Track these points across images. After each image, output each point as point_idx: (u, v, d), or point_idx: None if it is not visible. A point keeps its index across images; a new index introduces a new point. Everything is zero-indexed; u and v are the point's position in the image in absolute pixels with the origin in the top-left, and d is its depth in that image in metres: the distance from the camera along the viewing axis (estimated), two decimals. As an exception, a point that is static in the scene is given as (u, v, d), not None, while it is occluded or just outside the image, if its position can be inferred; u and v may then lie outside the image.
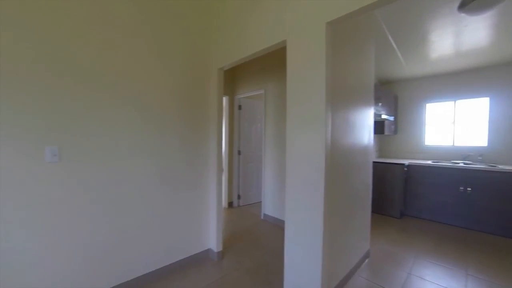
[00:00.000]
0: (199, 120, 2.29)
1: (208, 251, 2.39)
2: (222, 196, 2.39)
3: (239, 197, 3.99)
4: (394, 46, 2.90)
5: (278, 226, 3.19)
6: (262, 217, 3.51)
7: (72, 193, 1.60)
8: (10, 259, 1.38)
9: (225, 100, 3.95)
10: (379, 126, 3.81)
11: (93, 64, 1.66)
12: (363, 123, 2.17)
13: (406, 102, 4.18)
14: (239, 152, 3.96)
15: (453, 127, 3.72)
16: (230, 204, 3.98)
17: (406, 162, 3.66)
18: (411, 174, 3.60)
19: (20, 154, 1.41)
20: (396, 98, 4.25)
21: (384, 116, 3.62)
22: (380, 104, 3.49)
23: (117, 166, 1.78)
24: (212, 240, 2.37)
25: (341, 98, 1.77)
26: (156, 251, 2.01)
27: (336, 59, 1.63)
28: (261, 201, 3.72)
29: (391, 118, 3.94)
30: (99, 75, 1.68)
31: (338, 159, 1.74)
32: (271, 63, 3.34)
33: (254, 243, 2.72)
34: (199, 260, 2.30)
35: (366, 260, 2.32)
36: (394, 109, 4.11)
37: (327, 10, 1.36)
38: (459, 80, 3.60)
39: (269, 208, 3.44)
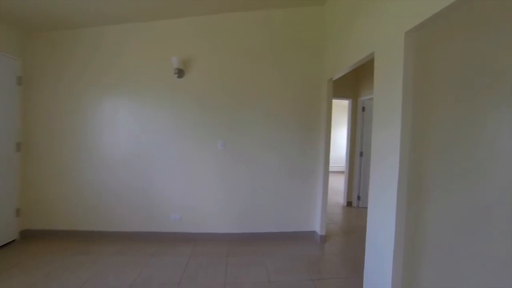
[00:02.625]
0: (311, 123, 2.80)
1: (313, 233, 2.85)
2: (327, 188, 2.76)
3: (358, 198, 4.00)
4: None
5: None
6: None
7: (230, 167, 2.72)
8: (195, 205, 2.68)
9: (348, 102, 4.11)
10: None
11: (238, 86, 2.70)
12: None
13: None
14: (361, 154, 3.97)
15: None
16: (349, 204, 4.08)
17: None
18: None
19: (207, 144, 2.69)
20: None
21: None
22: None
23: (253, 154, 2.74)
24: (317, 224, 2.81)
25: (447, 97, 1.61)
26: (275, 218, 2.79)
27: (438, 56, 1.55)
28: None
29: None
30: (242, 93, 2.70)
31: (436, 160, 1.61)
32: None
33: (360, 239, 2.81)
34: (305, 237, 2.83)
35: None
36: None
37: (404, 20, 1.43)
38: None
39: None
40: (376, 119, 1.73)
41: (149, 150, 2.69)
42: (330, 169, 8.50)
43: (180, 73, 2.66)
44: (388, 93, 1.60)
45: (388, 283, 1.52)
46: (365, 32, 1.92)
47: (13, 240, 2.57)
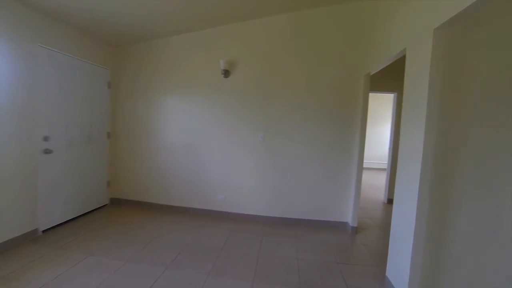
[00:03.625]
0: (347, 117, 2.87)
1: (345, 224, 2.97)
2: (361, 182, 2.83)
3: (401, 196, 3.84)
4: None
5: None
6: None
7: (268, 157, 3.04)
8: (237, 188, 3.08)
9: (393, 96, 3.92)
10: None
11: (277, 83, 2.94)
12: None
13: None
14: (406, 150, 3.78)
15: None
16: (390, 201, 3.96)
17: None
18: None
19: (248, 136, 3.05)
20: None
21: None
22: None
23: (290, 146, 2.98)
24: (349, 216, 2.91)
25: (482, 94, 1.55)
26: (308, 206, 3.01)
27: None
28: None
29: None
30: (280, 90, 2.95)
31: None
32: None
33: (395, 236, 2.82)
34: (337, 227, 2.97)
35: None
36: None
37: (433, 16, 1.45)
38: None
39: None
40: (404, 117, 1.78)
41: (201, 139, 3.21)
42: (372, 165, 8.10)
43: (226, 73, 3.06)
44: (415, 92, 1.65)
45: (406, 273, 1.62)
46: (399, 26, 1.94)
47: (106, 204, 3.45)
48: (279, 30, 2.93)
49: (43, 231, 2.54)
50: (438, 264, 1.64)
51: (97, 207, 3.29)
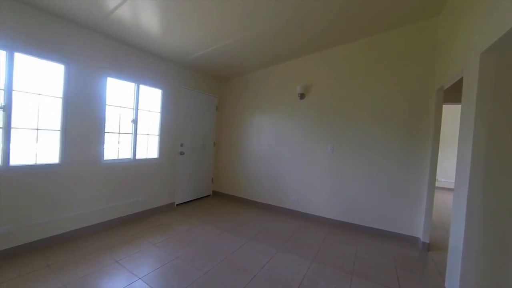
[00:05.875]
0: (418, 131, 2.92)
1: (416, 239, 2.93)
2: (433, 198, 2.78)
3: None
4: None
5: None
6: None
7: (337, 167, 3.44)
8: (308, 192, 3.59)
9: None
10: None
11: (345, 101, 3.33)
12: None
13: None
14: None
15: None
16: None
17: None
18: None
19: (319, 148, 3.56)
20: None
21: None
22: None
23: (359, 158, 3.29)
24: (420, 230, 2.87)
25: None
26: (374, 215, 3.18)
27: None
28: None
29: None
30: (348, 107, 3.32)
31: None
32: None
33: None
34: (405, 240, 2.97)
35: None
36: None
37: (479, 41, 1.62)
38: None
39: None
40: (460, 135, 1.90)
41: (280, 149, 3.97)
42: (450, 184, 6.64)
43: (302, 96, 3.72)
44: (465, 113, 1.79)
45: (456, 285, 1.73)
46: (456, 46, 2.07)
47: (210, 195, 4.73)
48: (349, 56, 3.36)
49: (177, 205, 3.92)
50: (493, 277, 1.66)
51: (204, 195, 4.58)
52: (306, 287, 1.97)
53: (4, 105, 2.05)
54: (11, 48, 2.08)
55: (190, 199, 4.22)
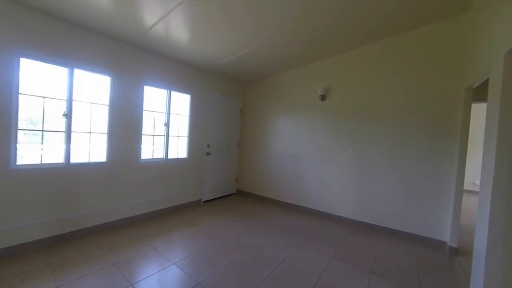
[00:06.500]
0: (445, 131, 2.84)
1: (443, 243, 2.84)
2: (461, 200, 2.69)
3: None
4: None
5: None
6: None
7: (358, 167, 3.46)
8: (329, 192, 3.64)
9: None
10: None
11: (367, 103, 3.33)
12: None
13: None
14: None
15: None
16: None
17: None
18: None
19: (340, 149, 3.60)
20: None
21: None
22: None
23: (378, 158, 3.28)
24: (447, 234, 2.79)
25: None
26: (397, 216, 3.14)
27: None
28: None
29: None
30: (370, 109, 3.32)
31: None
32: None
33: None
34: (431, 243, 2.90)
35: None
36: None
37: (503, 41, 1.60)
38: None
39: None
40: (485, 136, 1.86)
41: (302, 150, 4.07)
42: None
43: (323, 97, 3.79)
44: (490, 113, 1.76)
45: None
46: (485, 46, 2.02)
47: (233, 193, 4.97)
48: (370, 57, 3.36)
49: (204, 202, 4.22)
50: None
51: (229, 194, 4.83)
52: (324, 281, 2.07)
53: (66, 113, 2.47)
54: (72, 65, 2.49)
55: (215, 197, 4.50)
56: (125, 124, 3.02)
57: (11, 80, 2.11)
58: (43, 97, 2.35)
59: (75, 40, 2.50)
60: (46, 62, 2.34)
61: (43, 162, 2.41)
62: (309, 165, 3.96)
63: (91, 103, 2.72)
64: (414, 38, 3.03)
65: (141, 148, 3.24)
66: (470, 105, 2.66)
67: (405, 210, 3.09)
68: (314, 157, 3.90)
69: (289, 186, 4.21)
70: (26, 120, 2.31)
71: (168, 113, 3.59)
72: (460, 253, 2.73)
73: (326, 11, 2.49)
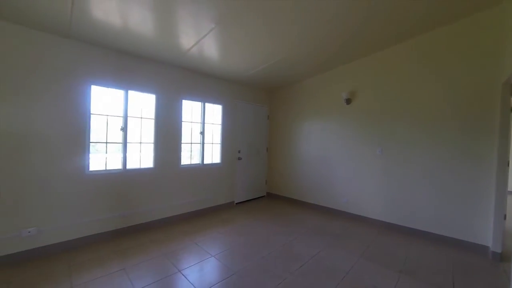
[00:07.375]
0: (479, 131, 2.71)
1: (485, 248, 2.68)
2: (505, 202, 2.53)
3: None
4: None
5: None
6: None
7: (387, 168, 3.44)
8: (358, 193, 3.65)
9: None
10: None
11: (394, 104, 3.32)
12: None
13: None
14: None
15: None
16: None
17: None
18: None
19: (368, 150, 3.61)
20: None
21: None
22: None
23: (408, 158, 3.23)
24: (489, 238, 2.64)
25: None
26: (431, 219, 3.04)
27: None
28: None
29: None
30: (397, 112, 3.29)
31: None
32: None
33: None
34: (470, 249, 2.74)
35: None
36: None
37: None
38: None
39: None
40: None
41: (329, 152, 4.15)
42: None
43: (348, 101, 3.85)
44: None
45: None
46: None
47: (264, 195, 5.21)
48: (398, 57, 3.35)
49: (236, 203, 4.53)
50: None
51: (259, 196, 5.08)
52: (351, 277, 2.17)
53: (123, 127, 2.98)
54: (126, 87, 3.01)
55: (247, 199, 4.78)
56: (167, 134, 3.47)
57: (87, 103, 2.68)
58: (107, 115, 2.89)
59: (129, 67, 3.02)
60: (108, 87, 2.88)
61: (107, 168, 2.94)
62: (336, 167, 4.02)
63: (141, 118, 3.22)
64: (443, 34, 2.96)
65: (181, 155, 3.67)
66: (509, 99, 2.52)
67: (438, 211, 2.99)
68: (341, 159, 3.95)
69: (317, 188, 4.30)
70: (95, 134, 2.86)
71: (203, 123, 4.00)
72: (505, 258, 2.56)
73: (353, 17, 2.55)
